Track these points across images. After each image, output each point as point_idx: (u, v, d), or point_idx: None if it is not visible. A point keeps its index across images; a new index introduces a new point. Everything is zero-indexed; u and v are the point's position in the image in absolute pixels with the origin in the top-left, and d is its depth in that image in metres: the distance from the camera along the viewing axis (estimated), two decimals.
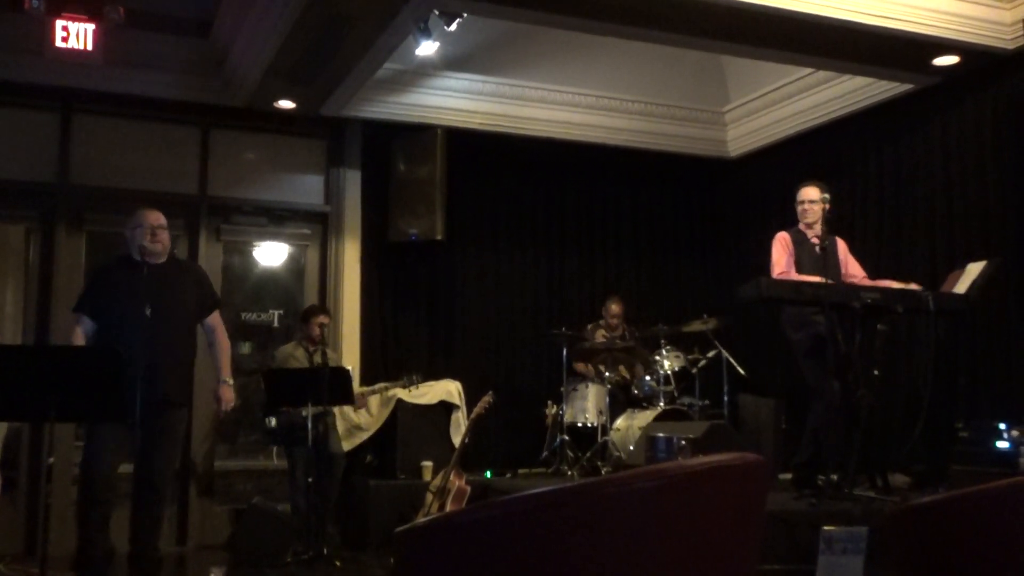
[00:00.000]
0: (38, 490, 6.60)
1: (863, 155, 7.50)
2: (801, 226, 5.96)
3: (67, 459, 6.59)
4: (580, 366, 7.73)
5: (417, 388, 7.03)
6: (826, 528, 3.26)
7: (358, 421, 7.23)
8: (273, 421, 6.50)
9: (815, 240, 5.72)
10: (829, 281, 5.35)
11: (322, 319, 6.79)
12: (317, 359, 6.61)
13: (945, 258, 6.58)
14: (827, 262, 5.54)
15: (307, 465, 6.31)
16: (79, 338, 4.86)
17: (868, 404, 5.19)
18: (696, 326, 7.41)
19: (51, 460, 6.34)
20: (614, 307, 7.93)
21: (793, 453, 6.01)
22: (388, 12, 5.76)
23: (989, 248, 6.17)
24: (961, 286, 5.57)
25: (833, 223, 5.98)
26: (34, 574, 4.88)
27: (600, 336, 7.81)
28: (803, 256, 5.79)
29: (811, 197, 5.91)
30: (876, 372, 5.28)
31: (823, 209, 5.80)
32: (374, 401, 7.14)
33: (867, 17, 5.82)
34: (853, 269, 6.00)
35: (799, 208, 5.96)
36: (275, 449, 7.33)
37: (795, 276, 5.67)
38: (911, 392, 6.13)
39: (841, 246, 6.01)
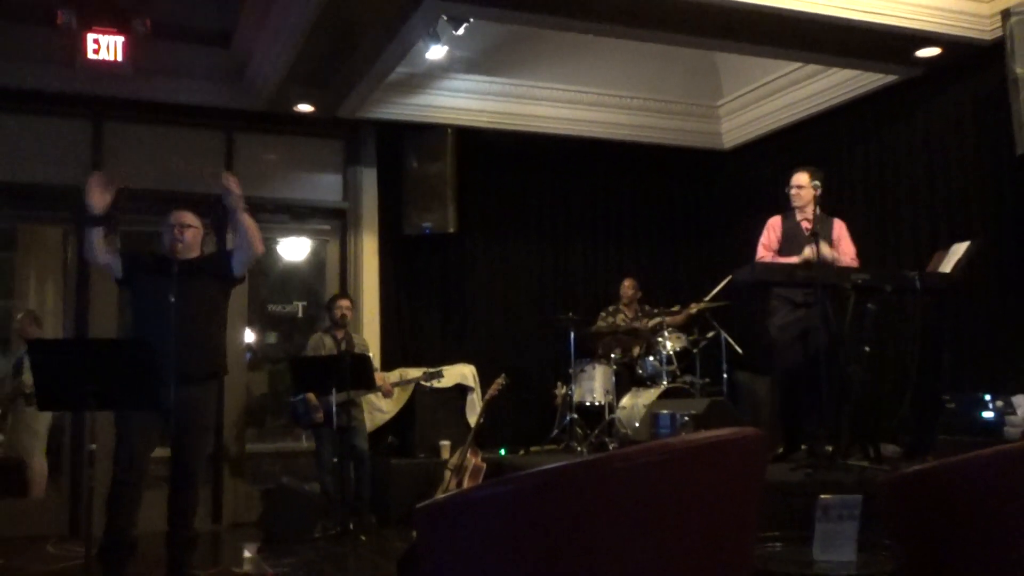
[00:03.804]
0: (81, 475, 6.66)
1: (850, 144, 7.47)
2: (795, 209, 5.94)
3: (108, 445, 6.62)
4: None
5: (439, 383, 7.06)
6: (822, 496, 3.25)
7: (380, 404, 7.26)
8: (299, 405, 6.52)
9: (805, 223, 5.70)
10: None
11: (343, 303, 6.84)
12: (345, 345, 6.67)
13: (929, 240, 6.55)
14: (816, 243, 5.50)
15: (333, 446, 6.34)
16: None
17: (859, 379, 5.18)
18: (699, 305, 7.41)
19: (93, 446, 6.37)
20: (626, 283, 7.95)
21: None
22: (399, 18, 5.76)
23: (971, 230, 6.15)
24: (946, 265, 5.54)
25: (828, 206, 5.94)
26: (79, 553, 4.91)
27: (620, 320, 7.80)
28: (795, 238, 5.77)
29: (799, 183, 5.88)
30: (867, 348, 5.26)
31: (813, 194, 5.73)
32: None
33: (853, 12, 5.80)
34: (844, 247, 5.89)
35: (790, 192, 5.93)
36: (304, 433, 7.37)
37: (775, 259, 5.73)
38: (900, 367, 6.11)
39: (837, 227, 5.89)
